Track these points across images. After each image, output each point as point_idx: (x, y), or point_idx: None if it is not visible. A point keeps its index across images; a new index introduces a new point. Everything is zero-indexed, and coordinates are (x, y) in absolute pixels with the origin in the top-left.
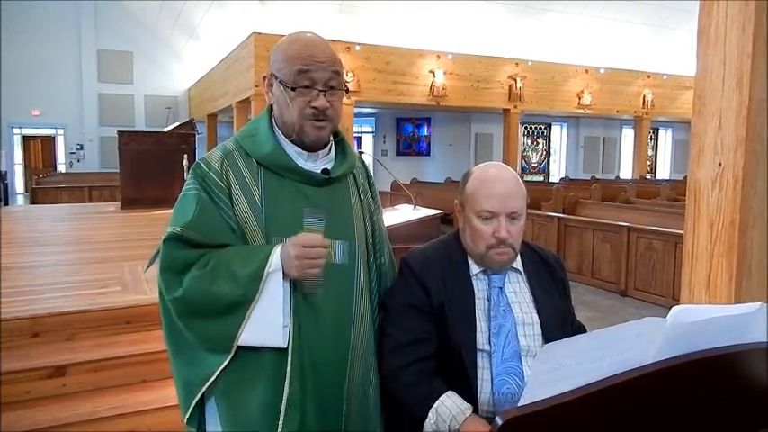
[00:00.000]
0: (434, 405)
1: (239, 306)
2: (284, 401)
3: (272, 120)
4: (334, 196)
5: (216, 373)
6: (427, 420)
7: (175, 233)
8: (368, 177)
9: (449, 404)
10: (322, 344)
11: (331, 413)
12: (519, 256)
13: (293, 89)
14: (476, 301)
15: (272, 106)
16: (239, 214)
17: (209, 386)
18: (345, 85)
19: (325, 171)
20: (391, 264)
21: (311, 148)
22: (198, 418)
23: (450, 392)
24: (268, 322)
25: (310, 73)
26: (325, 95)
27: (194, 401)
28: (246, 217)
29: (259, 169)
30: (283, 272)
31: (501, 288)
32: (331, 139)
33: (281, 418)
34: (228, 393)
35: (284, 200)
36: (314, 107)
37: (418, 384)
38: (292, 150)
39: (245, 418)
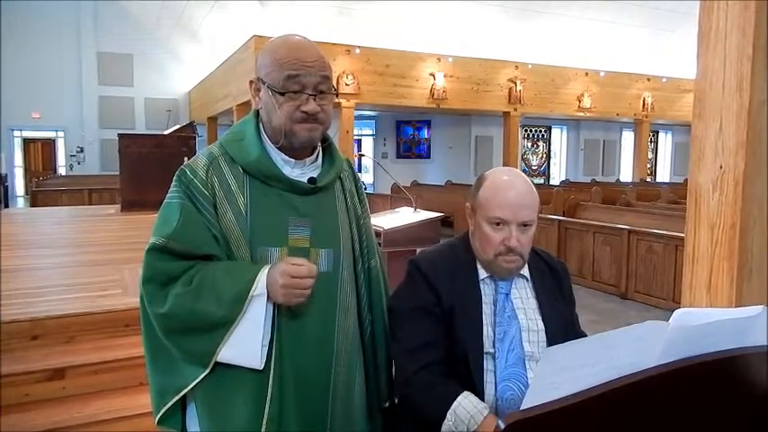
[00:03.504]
0: (452, 406)
1: (221, 326)
2: (266, 411)
3: (260, 124)
4: (321, 204)
5: (190, 386)
6: (445, 422)
7: (158, 244)
8: (355, 181)
9: (466, 404)
10: (306, 351)
11: (315, 416)
12: (526, 263)
13: (282, 94)
14: (482, 305)
15: (258, 110)
16: (224, 223)
17: (190, 392)
18: (335, 89)
19: (311, 180)
20: (381, 267)
21: (300, 152)
22: (182, 419)
23: (466, 393)
24: (247, 344)
25: (299, 78)
26: (315, 99)
27: (165, 408)
28: (231, 226)
29: (245, 177)
30: (268, 295)
31: (507, 294)
32: (319, 144)
33: (264, 425)
34: (210, 402)
35: (270, 209)
36: (304, 111)
37: (434, 387)
38: (279, 157)
39: (226, 427)
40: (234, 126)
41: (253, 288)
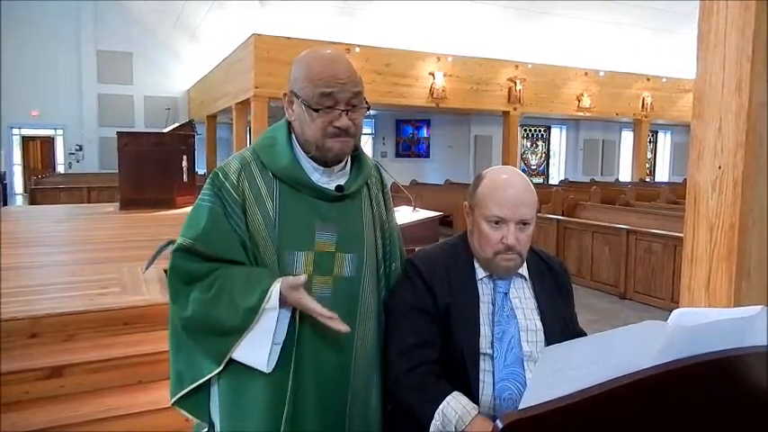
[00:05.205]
0: (440, 406)
1: (235, 332)
2: (285, 411)
3: (291, 133)
4: (347, 210)
5: (205, 378)
6: (433, 422)
7: (184, 245)
8: (382, 187)
9: (454, 404)
10: (326, 352)
11: (334, 417)
12: (525, 262)
13: (316, 110)
14: (480, 305)
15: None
16: (252, 227)
17: (216, 382)
18: (367, 102)
19: (338, 187)
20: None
21: (331, 162)
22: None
23: (455, 393)
24: (256, 350)
25: (333, 94)
26: (347, 114)
27: (180, 394)
28: (260, 228)
29: (274, 182)
30: (280, 306)
31: (506, 293)
32: None
33: (283, 422)
34: (229, 397)
35: (298, 213)
36: (336, 126)
37: (423, 387)
38: (308, 164)
39: (243, 424)
40: (266, 131)
41: (266, 300)
